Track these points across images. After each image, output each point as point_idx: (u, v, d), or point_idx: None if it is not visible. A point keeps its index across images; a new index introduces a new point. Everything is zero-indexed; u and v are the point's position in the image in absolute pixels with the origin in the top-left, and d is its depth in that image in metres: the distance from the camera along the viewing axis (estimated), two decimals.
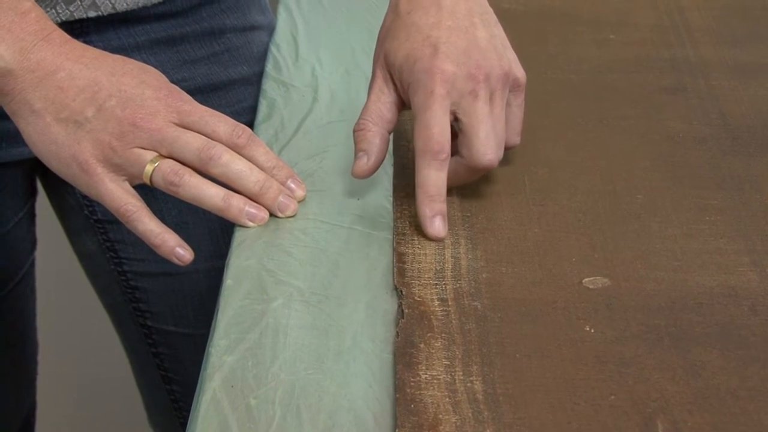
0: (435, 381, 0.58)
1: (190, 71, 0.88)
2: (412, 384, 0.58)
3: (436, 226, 0.68)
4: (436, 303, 0.63)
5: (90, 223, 0.92)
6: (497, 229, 0.70)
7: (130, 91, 0.70)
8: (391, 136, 0.78)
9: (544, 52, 0.90)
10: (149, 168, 0.69)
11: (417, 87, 0.69)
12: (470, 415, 0.56)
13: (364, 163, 0.71)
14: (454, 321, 0.62)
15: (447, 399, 0.57)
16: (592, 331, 0.62)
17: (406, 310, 0.63)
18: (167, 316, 0.96)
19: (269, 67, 0.87)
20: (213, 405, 0.56)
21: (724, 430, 0.56)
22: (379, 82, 0.72)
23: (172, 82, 0.73)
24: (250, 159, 0.71)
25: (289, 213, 0.71)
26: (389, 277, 0.66)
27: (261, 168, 0.71)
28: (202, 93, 0.89)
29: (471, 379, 0.58)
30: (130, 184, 0.71)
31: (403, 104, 0.73)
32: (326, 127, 0.79)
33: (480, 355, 0.60)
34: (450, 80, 0.68)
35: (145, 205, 0.71)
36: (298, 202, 0.71)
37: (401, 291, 0.64)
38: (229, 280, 0.65)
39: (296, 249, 0.68)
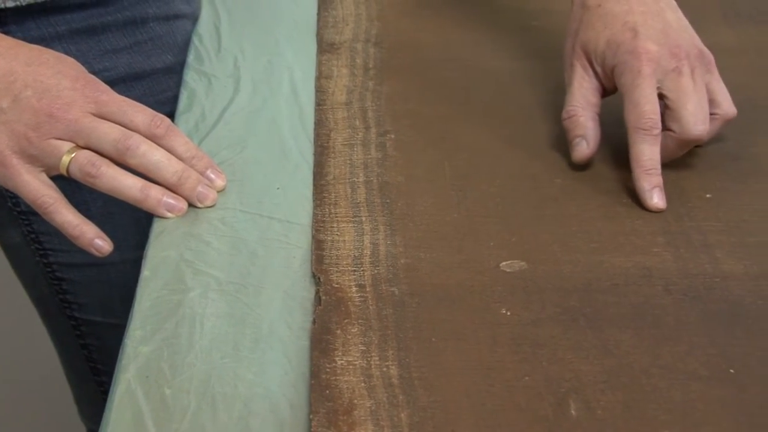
0: (351, 367, 0.58)
1: (112, 61, 0.88)
2: (328, 370, 0.58)
3: (655, 198, 0.70)
4: (354, 289, 0.64)
5: (14, 215, 0.91)
6: (416, 215, 0.70)
7: (47, 81, 0.69)
8: (315, 125, 0.79)
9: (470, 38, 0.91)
10: (66, 159, 0.69)
11: (623, 68, 0.72)
12: (385, 399, 0.57)
13: (585, 147, 0.74)
14: (371, 307, 0.63)
15: (362, 384, 0.57)
16: (509, 313, 0.63)
17: (323, 297, 0.63)
18: (95, 307, 0.95)
19: (191, 58, 0.87)
20: (127, 396, 0.56)
21: (635, 408, 0.57)
22: (580, 71, 0.76)
23: (94, 71, 0.73)
24: (168, 149, 0.70)
25: (208, 203, 0.70)
26: (308, 265, 0.66)
27: (180, 158, 0.71)
28: (125, 82, 0.88)
29: (387, 363, 0.59)
30: (48, 175, 0.71)
31: (604, 91, 0.76)
32: (247, 117, 0.79)
33: (396, 340, 0.60)
34: (655, 59, 0.71)
35: (63, 197, 0.70)
36: (218, 192, 0.71)
37: (319, 278, 0.64)
38: (146, 272, 0.65)
39: (215, 239, 0.68)
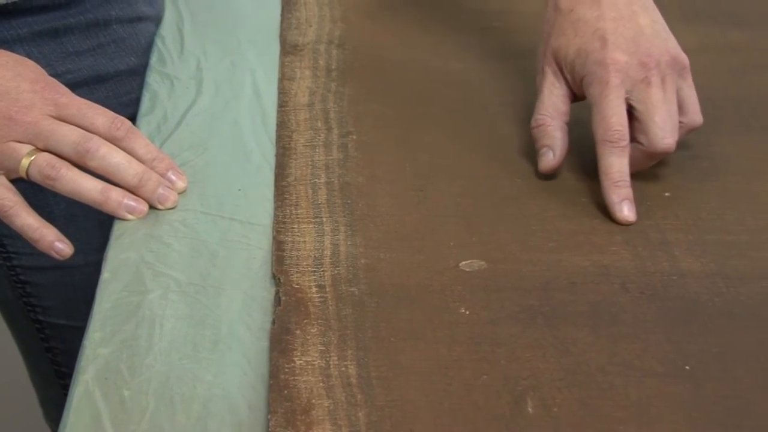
0: (309, 367, 0.59)
1: (75, 63, 0.88)
2: (287, 370, 0.58)
3: (625, 211, 0.70)
4: (314, 290, 0.64)
5: None
6: (377, 216, 0.71)
7: (6, 84, 0.69)
8: (277, 127, 0.79)
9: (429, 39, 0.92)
10: (25, 162, 0.69)
11: (592, 79, 0.71)
12: (343, 399, 0.57)
13: (551, 158, 0.73)
14: (331, 307, 0.63)
15: (321, 384, 0.58)
16: (468, 313, 0.63)
17: (283, 298, 0.63)
18: (59, 309, 0.95)
19: (153, 60, 0.87)
20: (85, 398, 0.57)
21: (592, 405, 0.58)
22: (550, 77, 0.75)
23: (57, 74, 0.73)
24: (129, 151, 0.71)
25: (169, 205, 0.71)
26: (269, 266, 0.66)
27: (140, 160, 0.71)
28: (89, 85, 0.88)
29: (345, 363, 0.59)
30: (8, 178, 0.70)
31: (575, 96, 0.75)
32: (209, 119, 0.79)
33: (355, 340, 0.61)
34: (623, 69, 0.70)
35: (23, 200, 0.70)
36: (179, 193, 0.72)
37: (279, 279, 0.65)
38: (106, 273, 0.65)
39: (175, 240, 0.68)
